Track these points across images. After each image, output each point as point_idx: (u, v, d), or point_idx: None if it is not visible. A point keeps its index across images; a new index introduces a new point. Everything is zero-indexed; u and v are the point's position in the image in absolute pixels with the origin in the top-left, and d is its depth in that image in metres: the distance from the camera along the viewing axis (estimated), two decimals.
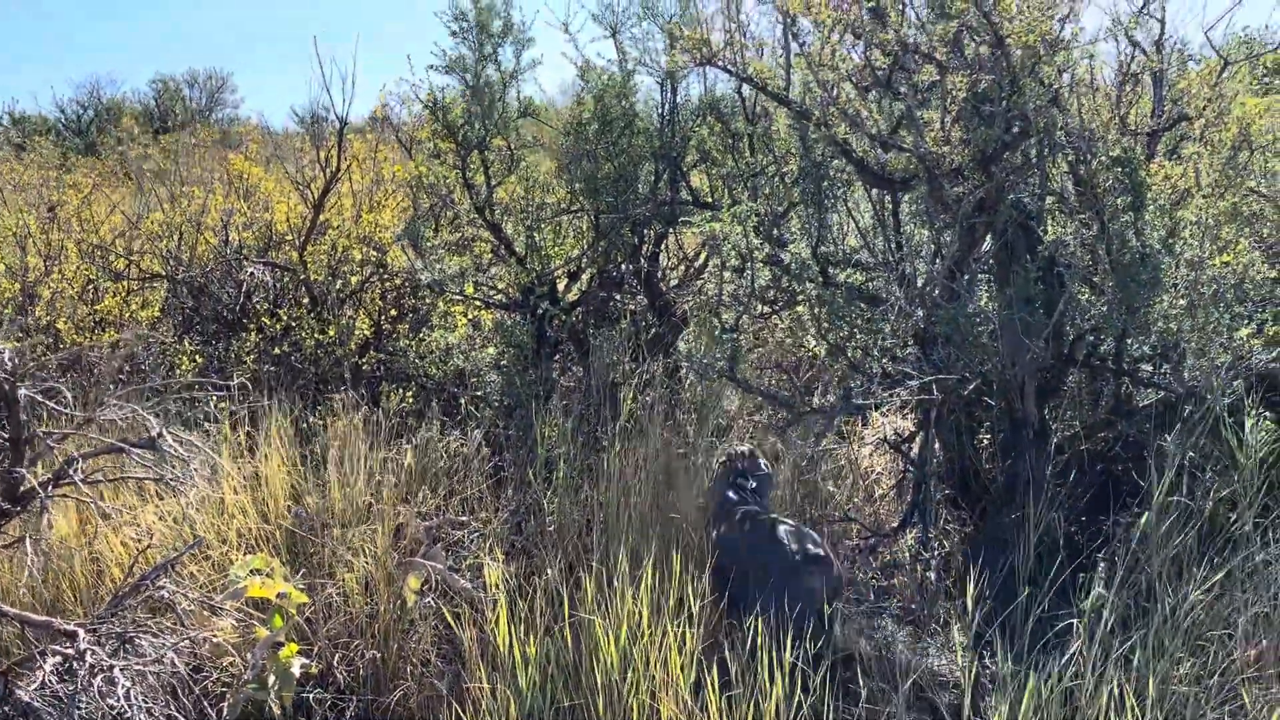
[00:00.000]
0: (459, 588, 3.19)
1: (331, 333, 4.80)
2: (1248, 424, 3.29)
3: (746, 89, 4.61)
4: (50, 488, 2.49)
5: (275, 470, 3.79)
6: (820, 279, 3.23)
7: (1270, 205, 4.62)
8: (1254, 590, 2.96)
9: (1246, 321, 3.76)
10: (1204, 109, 3.92)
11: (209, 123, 26.31)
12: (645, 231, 4.85)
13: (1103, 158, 3.00)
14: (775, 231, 3.68)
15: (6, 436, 2.50)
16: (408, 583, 3.31)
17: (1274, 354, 3.69)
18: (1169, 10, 4.15)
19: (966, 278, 3.09)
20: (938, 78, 2.68)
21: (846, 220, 4.41)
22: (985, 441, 4.17)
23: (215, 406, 4.57)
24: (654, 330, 4.98)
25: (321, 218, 5.36)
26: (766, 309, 4.49)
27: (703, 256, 5.01)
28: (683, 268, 5.46)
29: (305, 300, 5.22)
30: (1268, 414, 3.63)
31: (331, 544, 3.55)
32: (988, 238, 3.13)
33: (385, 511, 3.55)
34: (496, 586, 3.04)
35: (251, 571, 3.24)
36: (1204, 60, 4.85)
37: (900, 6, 2.75)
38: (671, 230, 5.15)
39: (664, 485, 3.84)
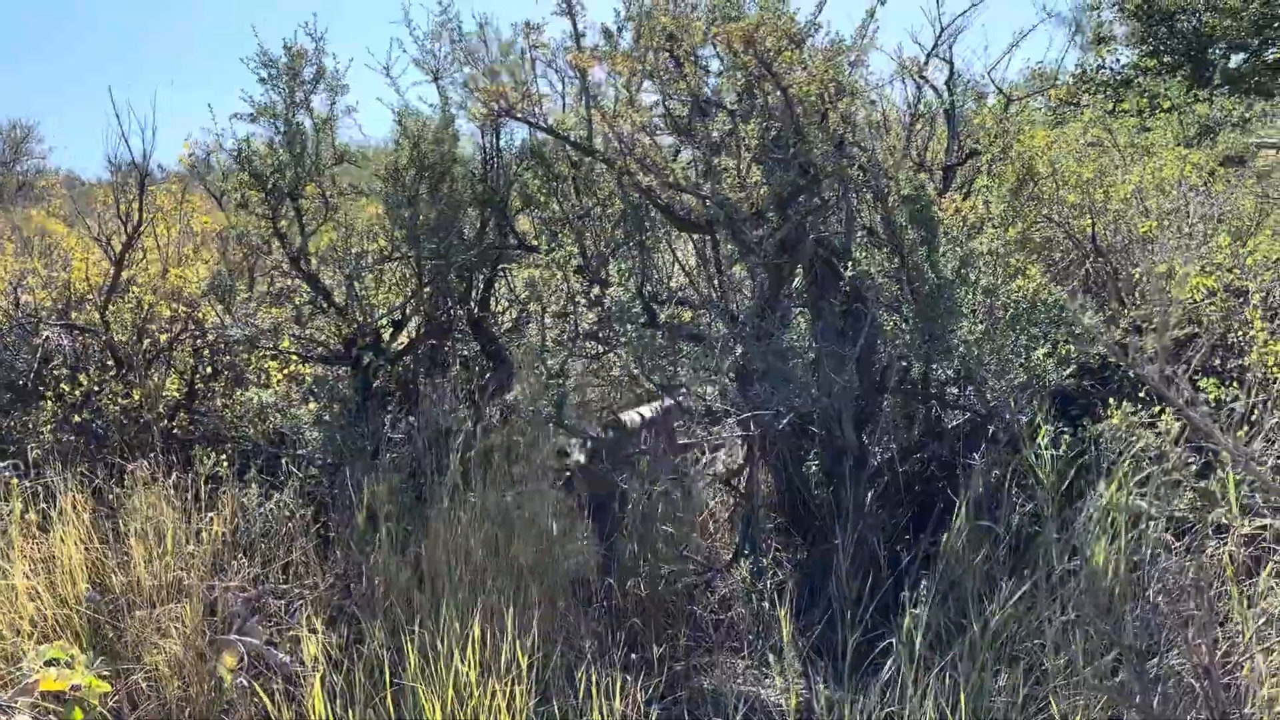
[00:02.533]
0: (276, 663, 3.02)
1: (137, 396, 4.51)
2: (1042, 440, 3.49)
3: None
4: None
5: (71, 549, 3.51)
6: (644, 320, 3.26)
7: (1061, 230, 4.98)
8: (1058, 602, 3.13)
9: (1041, 342, 4.02)
10: (991, 144, 4.19)
11: (11, 173, 24.64)
12: (474, 276, 4.79)
13: (896, 196, 3.14)
14: (602, 274, 3.69)
15: None
16: (223, 661, 3.11)
17: (1067, 372, 3.96)
18: (961, 52, 4.43)
19: (779, 314, 3.18)
20: (731, 126, 2.76)
21: (673, 260, 4.49)
22: (814, 470, 4.29)
23: (5, 484, 4.21)
24: (488, 375, 4.91)
25: (126, 274, 5.05)
26: (598, 349, 4.50)
27: (530, 303, 4.99)
28: (515, 311, 5.41)
29: (110, 362, 4.89)
30: (1065, 429, 3.87)
31: (136, 626, 3.31)
32: (796, 275, 3.23)
33: (195, 586, 3.33)
34: (315, 659, 2.89)
35: (47, 662, 2.98)
36: (998, 97, 5.20)
37: (694, 58, 2.83)
38: (502, 274, 5.12)
39: (501, 536, 3.76)
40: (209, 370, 5.02)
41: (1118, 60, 14.08)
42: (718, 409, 3.17)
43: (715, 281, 4.14)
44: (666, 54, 2.81)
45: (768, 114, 2.71)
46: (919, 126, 3.47)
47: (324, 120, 4.49)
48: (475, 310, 4.85)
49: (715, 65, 3.07)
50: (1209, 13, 13.36)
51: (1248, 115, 8.11)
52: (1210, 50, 13.66)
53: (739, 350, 3.35)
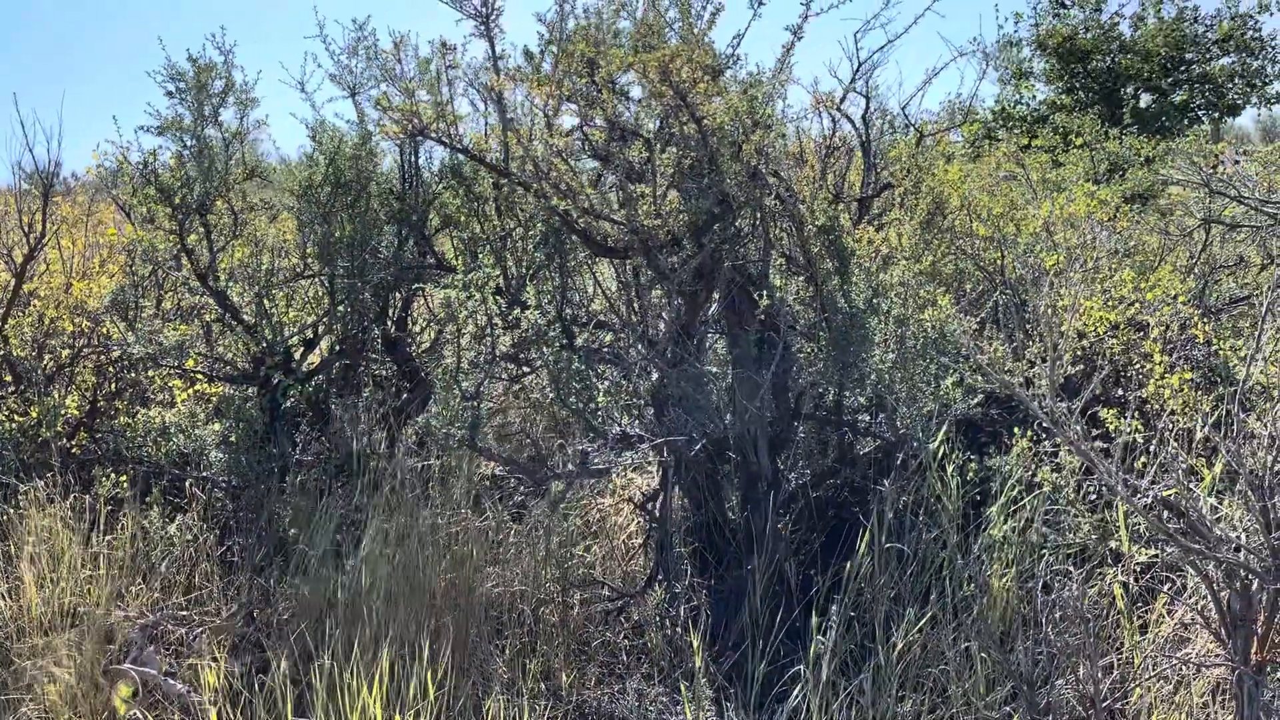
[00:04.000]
0: (173, 694, 2.92)
1: (34, 413, 4.33)
2: (950, 468, 3.57)
3: None
4: None
5: None
6: (562, 343, 3.24)
7: (972, 262, 5.10)
8: (960, 629, 3.19)
9: (950, 372, 4.11)
10: (904, 178, 4.29)
11: None
12: (390, 296, 4.72)
13: (810, 226, 3.19)
14: (522, 295, 3.67)
15: None
16: (117, 691, 3.00)
17: (974, 401, 4.05)
18: (878, 86, 4.52)
19: (695, 340, 3.19)
20: (648, 154, 2.78)
21: (593, 283, 4.48)
22: (729, 495, 4.32)
23: None
24: (403, 396, 4.84)
25: (27, 286, 4.87)
26: (514, 370, 4.47)
27: (447, 325, 4.94)
28: (433, 332, 5.35)
29: (7, 378, 4.69)
30: (972, 456, 3.96)
31: (27, 654, 3.17)
32: (713, 301, 3.25)
33: (93, 613, 3.21)
34: (214, 690, 2.80)
35: None
36: (913, 131, 5.33)
37: (612, 85, 2.84)
38: (420, 294, 5.05)
39: (415, 561, 3.70)
40: (112, 388, 4.86)
41: (1034, 96, 14.55)
42: (633, 434, 3.16)
43: (634, 305, 4.15)
44: (586, 79, 2.82)
45: (685, 143, 2.73)
46: (833, 160, 3.53)
47: (234, 134, 4.40)
48: (392, 330, 4.78)
49: (637, 92, 3.09)
50: (1123, 54, 13.91)
51: (1153, 154, 8.45)
52: (1122, 89, 14.21)
53: (655, 376, 3.36)
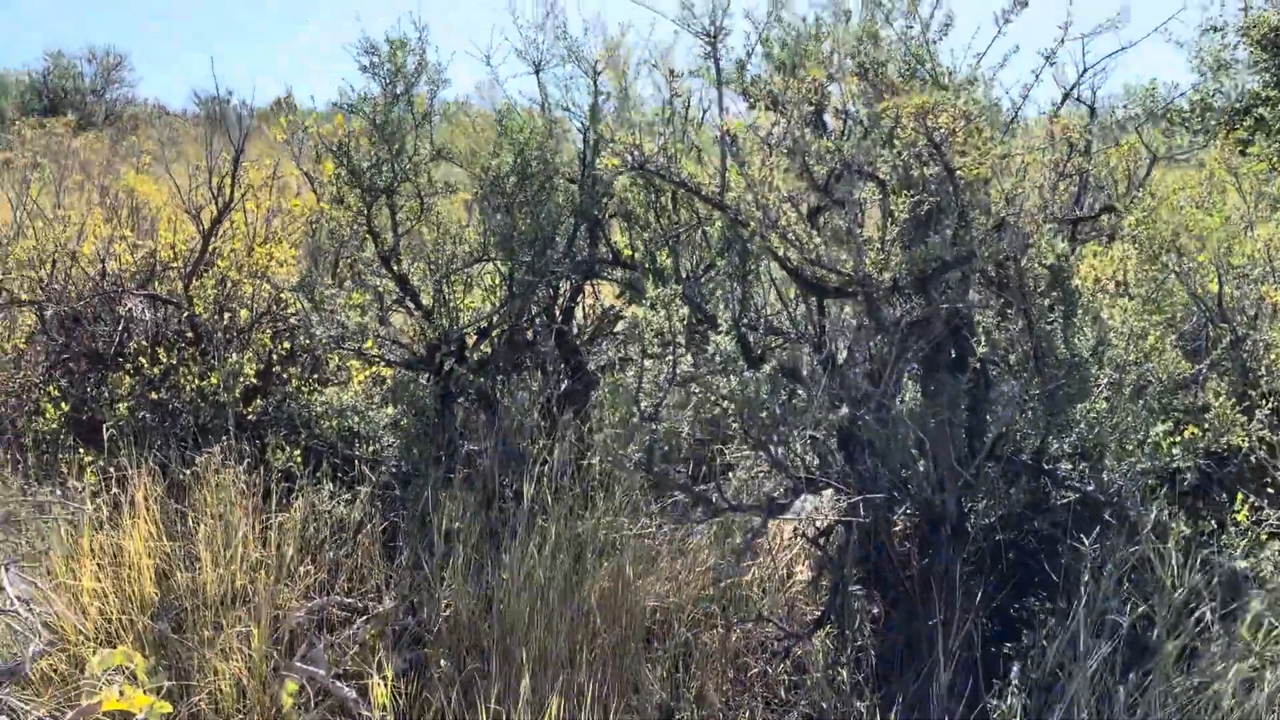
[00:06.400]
0: (341, 696, 2.92)
1: (215, 379, 4.43)
2: (1173, 539, 3.24)
3: None
4: None
5: (139, 545, 3.44)
6: (746, 368, 3.07)
7: (1185, 291, 4.63)
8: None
9: (1162, 418, 3.73)
10: (1129, 204, 3.90)
11: (101, 101, 24.96)
12: (560, 286, 4.63)
13: (1036, 263, 2.90)
14: (703, 307, 3.50)
15: None
16: (285, 686, 3.02)
17: (1192, 460, 3.67)
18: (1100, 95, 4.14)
19: (894, 379, 2.97)
20: (880, 196, 2.55)
21: (769, 288, 4.27)
22: (897, 528, 4.08)
23: (81, 458, 4.18)
24: (565, 386, 4.76)
25: (211, 247, 4.99)
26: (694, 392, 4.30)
27: (620, 324, 4.82)
28: (596, 321, 5.25)
29: (188, 338, 4.83)
30: (1182, 514, 3.61)
31: (198, 634, 3.23)
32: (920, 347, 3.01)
33: (263, 601, 3.24)
34: (384, 708, 2.78)
35: (110, 669, 2.91)
36: (1124, 142, 4.85)
37: (843, 118, 2.62)
38: (588, 284, 4.95)
39: (573, 567, 3.62)
40: (285, 348, 4.92)
41: (1236, 87, 13.37)
42: (821, 480, 2.97)
43: (814, 317, 3.93)
44: (810, 108, 2.60)
45: (923, 186, 2.50)
46: (1062, 186, 3.21)
47: (423, 114, 4.35)
48: (560, 321, 4.70)
49: (854, 109, 2.85)
50: None
51: None
52: None
53: (843, 411, 3.15)
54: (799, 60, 2.92)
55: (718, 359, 2.97)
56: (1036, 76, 2.79)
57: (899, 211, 2.49)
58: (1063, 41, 2.83)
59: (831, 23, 3.09)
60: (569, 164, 4.55)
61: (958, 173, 2.44)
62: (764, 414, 3.01)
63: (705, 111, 3.36)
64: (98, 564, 3.30)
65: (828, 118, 2.72)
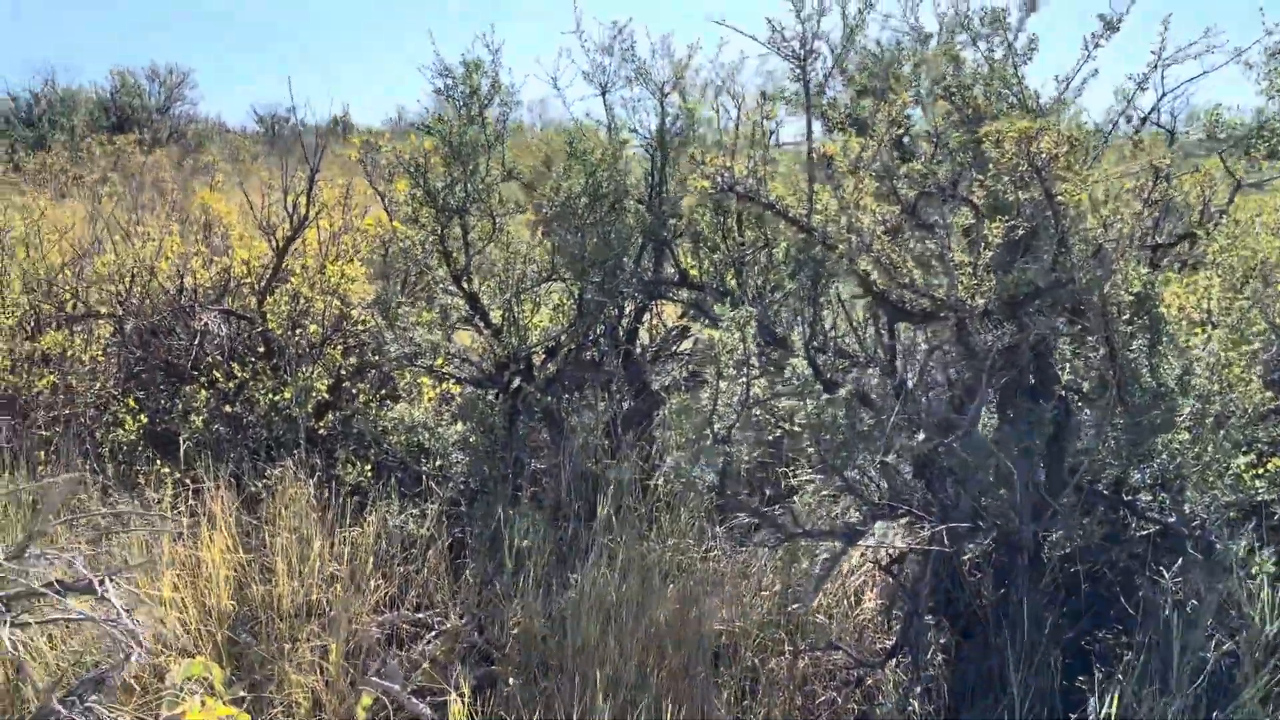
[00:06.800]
0: (416, 713, 2.94)
1: (288, 394, 4.51)
2: (1261, 571, 3.15)
3: None
4: None
5: (218, 557, 3.50)
6: (822, 392, 3.05)
7: (1271, 330, 4.51)
8: None
9: (1245, 450, 3.64)
10: (1201, 223, 3.82)
11: (165, 119, 25.61)
12: (625, 306, 4.65)
13: (1123, 292, 2.86)
14: (774, 331, 3.49)
15: None
16: (361, 700, 3.04)
17: (1273, 493, 3.57)
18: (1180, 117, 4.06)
19: (976, 405, 2.93)
20: (972, 221, 2.53)
21: (837, 309, 4.25)
22: (967, 555, 4.02)
23: (158, 469, 4.26)
24: (629, 406, 4.77)
25: (285, 263, 5.09)
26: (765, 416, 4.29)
27: (686, 342, 4.82)
28: (659, 340, 5.26)
29: (260, 352, 4.92)
30: (1270, 548, 3.51)
31: (273, 645, 3.27)
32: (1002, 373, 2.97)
33: (339, 616, 3.28)
34: None
35: (188, 679, 2.96)
36: (1203, 166, 4.75)
37: (932, 142, 2.60)
38: (653, 304, 4.97)
39: (640, 588, 3.61)
40: (353, 363, 4.99)
41: None
42: (899, 507, 2.94)
43: (883, 340, 3.90)
44: (900, 130, 2.60)
45: (1018, 211, 2.47)
46: (1145, 213, 3.15)
47: (495, 136, 4.40)
48: (624, 341, 4.71)
49: (942, 131, 2.83)
50: None
51: None
52: None
53: (921, 437, 3.11)
54: (879, 84, 2.91)
55: (795, 382, 2.95)
56: (1129, 102, 2.76)
57: (993, 236, 2.47)
58: (1155, 67, 2.79)
59: (911, 46, 3.08)
60: (636, 185, 4.58)
61: (1058, 198, 2.41)
62: (839, 438, 2.98)
63: (773, 133, 3.35)
64: (177, 575, 3.36)
65: (910, 140, 2.70)
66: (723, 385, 3.07)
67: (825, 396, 2.89)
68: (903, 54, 3.06)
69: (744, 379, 3.22)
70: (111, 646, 2.39)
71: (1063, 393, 2.89)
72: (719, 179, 2.87)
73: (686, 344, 5.16)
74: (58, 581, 2.35)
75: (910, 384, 3.58)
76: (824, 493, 4.25)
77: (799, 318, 3.92)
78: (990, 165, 2.48)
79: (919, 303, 2.64)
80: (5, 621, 2.17)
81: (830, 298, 4.05)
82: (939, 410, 2.93)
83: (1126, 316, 3.01)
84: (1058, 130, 2.39)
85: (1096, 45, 2.74)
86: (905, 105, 2.64)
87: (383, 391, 4.96)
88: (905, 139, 2.68)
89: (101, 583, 2.27)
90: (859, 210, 2.54)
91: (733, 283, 4.45)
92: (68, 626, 3.13)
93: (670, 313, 5.41)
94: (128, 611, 2.27)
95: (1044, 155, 2.34)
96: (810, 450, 3.01)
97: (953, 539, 2.88)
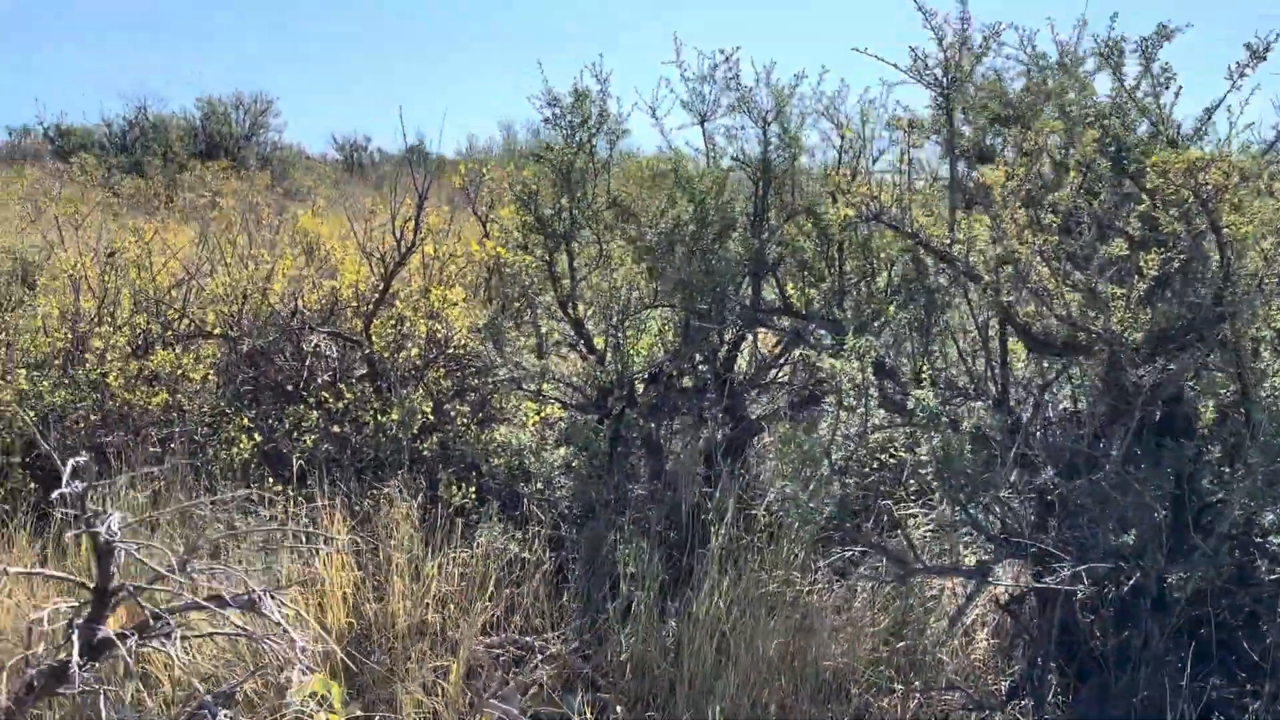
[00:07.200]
0: None
1: (395, 415, 4.58)
2: None
3: None
4: (133, 640, 2.28)
5: (335, 575, 3.56)
6: (946, 424, 3.01)
7: None
8: None
9: None
10: None
11: (253, 144, 26.39)
12: (725, 334, 4.65)
13: (1265, 326, 2.77)
14: (887, 362, 3.46)
15: (94, 586, 2.30)
16: None
17: None
18: None
19: (1108, 443, 2.86)
20: (1127, 252, 2.48)
21: (945, 339, 4.19)
22: (1079, 593, 3.91)
23: (271, 488, 4.36)
24: (727, 433, 4.75)
25: (391, 288, 5.19)
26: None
27: (785, 369, 4.79)
28: (755, 367, 5.24)
29: (365, 374, 5.02)
30: None
31: (399, 664, 3.32)
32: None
33: (463, 637, 3.31)
34: None
35: (309, 696, 3.01)
36: None
37: (1083, 170, 2.56)
38: (751, 332, 4.96)
39: (749, 622, 3.58)
40: (449, 384, 5.06)
41: None
42: (1029, 545, 2.88)
43: (995, 373, 3.83)
44: (1050, 159, 2.57)
45: (1173, 244, 2.43)
46: None
47: (602, 164, 4.46)
48: (723, 368, 4.71)
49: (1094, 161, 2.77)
50: None
51: None
52: None
53: (1049, 472, 3.05)
54: (1011, 111, 2.88)
55: (919, 413, 2.92)
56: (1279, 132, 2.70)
57: (1148, 269, 2.42)
58: None
59: (1039, 76, 3.05)
60: (740, 213, 4.59)
61: (1224, 230, 2.36)
62: (966, 474, 2.94)
63: (902, 160, 3.33)
64: (299, 592, 3.43)
65: (1054, 169, 2.66)
66: (842, 415, 3.04)
67: (951, 430, 2.85)
68: (1032, 82, 3.03)
69: (862, 409, 3.19)
70: (263, 661, 2.44)
71: (1204, 431, 2.81)
72: (865, 208, 2.86)
73: (783, 373, 5.13)
74: (219, 596, 2.42)
75: (1024, 418, 3.52)
76: (928, 528, 4.19)
77: (914, 349, 3.87)
78: (1145, 196, 2.43)
79: (1074, 336, 2.60)
80: (172, 636, 2.23)
81: (940, 329, 4.01)
82: (1067, 446, 2.87)
83: (1266, 353, 2.92)
84: (1228, 161, 2.33)
85: (1242, 75, 2.69)
86: (1051, 132, 2.61)
87: (480, 415, 5.02)
88: (1043, 169, 2.65)
89: (260, 598, 2.32)
90: (1018, 241, 2.51)
91: (840, 312, 4.43)
92: (193, 641, 3.22)
93: (765, 341, 5.40)
94: (290, 628, 2.32)
95: (1210, 187, 2.29)
96: (935, 484, 2.97)
97: (1092, 579, 2.81)
